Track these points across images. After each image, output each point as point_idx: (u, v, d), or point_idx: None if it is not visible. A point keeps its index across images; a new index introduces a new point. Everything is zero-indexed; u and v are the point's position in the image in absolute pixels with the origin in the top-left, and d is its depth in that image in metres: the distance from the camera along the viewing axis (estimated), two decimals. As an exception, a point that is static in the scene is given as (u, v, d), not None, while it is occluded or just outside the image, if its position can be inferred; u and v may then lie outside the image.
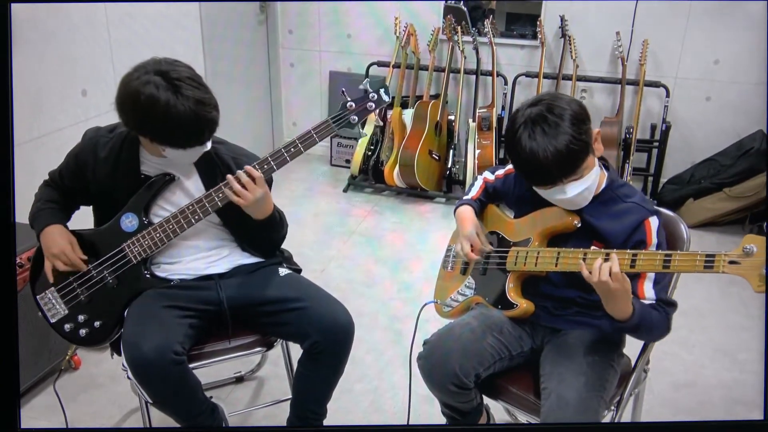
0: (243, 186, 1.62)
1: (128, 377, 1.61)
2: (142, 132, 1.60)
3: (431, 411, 2.05)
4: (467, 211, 1.76)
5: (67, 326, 1.75)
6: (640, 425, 1.82)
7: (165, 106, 1.50)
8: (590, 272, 1.40)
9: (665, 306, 1.51)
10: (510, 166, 1.73)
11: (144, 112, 1.52)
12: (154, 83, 1.50)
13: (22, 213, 1.82)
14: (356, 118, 1.65)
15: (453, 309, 1.80)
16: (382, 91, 1.65)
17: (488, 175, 1.81)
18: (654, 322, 1.49)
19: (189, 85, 1.52)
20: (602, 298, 1.44)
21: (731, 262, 1.26)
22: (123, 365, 1.62)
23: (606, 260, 1.40)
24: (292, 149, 1.64)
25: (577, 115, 1.46)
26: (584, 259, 1.45)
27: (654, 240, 1.51)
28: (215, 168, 1.74)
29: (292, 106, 4.63)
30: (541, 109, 1.46)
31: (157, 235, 1.70)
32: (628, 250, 1.42)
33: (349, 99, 1.64)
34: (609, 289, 1.39)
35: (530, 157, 1.44)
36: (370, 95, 1.64)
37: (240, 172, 1.63)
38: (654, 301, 1.50)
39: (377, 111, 1.71)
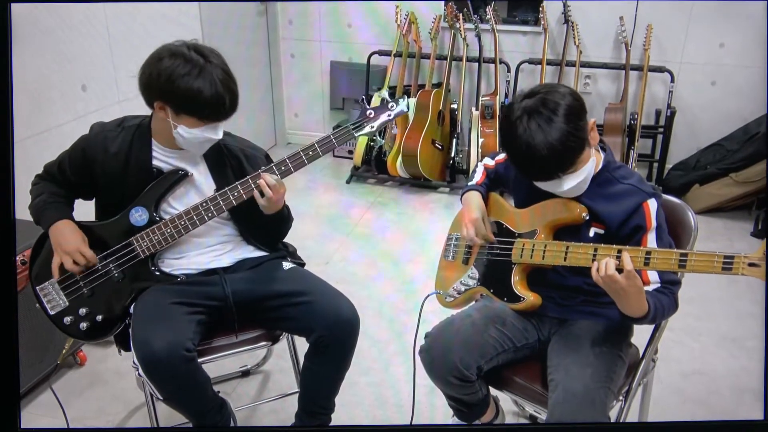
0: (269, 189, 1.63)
1: (139, 375, 1.61)
2: (163, 97, 1.58)
3: (436, 403, 2.05)
4: (474, 196, 1.74)
5: (66, 319, 1.74)
6: (638, 425, 1.81)
7: (193, 69, 1.53)
8: (597, 270, 1.38)
9: (671, 286, 1.49)
10: None
11: (171, 74, 1.53)
12: (184, 53, 1.54)
13: (24, 209, 1.81)
14: (375, 126, 1.66)
15: (455, 299, 1.78)
16: (401, 100, 1.67)
17: (488, 161, 1.80)
18: (666, 307, 1.47)
19: (217, 59, 1.57)
20: (614, 298, 1.41)
21: (751, 265, 1.24)
22: (134, 363, 1.61)
23: (618, 257, 1.37)
24: (311, 152, 1.64)
25: (573, 109, 1.42)
26: (594, 255, 1.43)
27: (653, 223, 1.48)
28: (225, 161, 1.73)
29: (293, 97, 4.60)
30: (536, 102, 1.42)
31: (168, 230, 1.68)
32: (641, 248, 1.39)
33: (368, 107, 1.66)
34: (619, 287, 1.36)
35: (526, 151, 1.42)
36: (389, 105, 1.66)
37: (265, 175, 1.63)
38: (659, 284, 1.48)
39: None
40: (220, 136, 1.65)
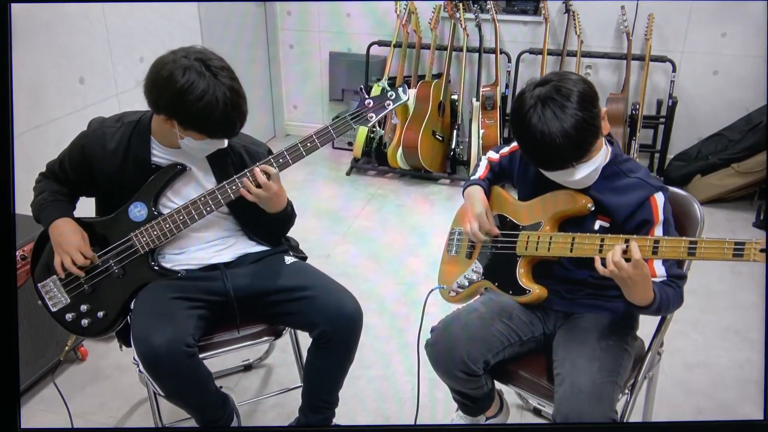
0: (258, 185, 1.61)
1: (140, 371, 1.60)
2: (172, 113, 1.55)
3: (438, 396, 2.04)
4: (476, 191, 1.72)
5: (68, 316, 1.73)
6: (637, 425, 1.81)
7: (204, 91, 1.50)
8: (603, 265, 1.37)
9: (677, 280, 1.49)
10: (515, 144, 1.69)
11: (181, 94, 1.50)
12: (195, 68, 1.51)
13: (22, 204, 1.79)
14: (374, 116, 1.64)
15: (459, 294, 1.76)
16: (400, 90, 1.64)
17: (492, 155, 1.78)
18: (671, 299, 1.46)
19: (226, 75, 1.53)
20: (620, 285, 1.40)
21: (762, 251, 1.22)
22: (134, 359, 1.60)
23: (625, 245, 1.35)
24: (309, 144, 1.62)
25: (586, 96, 1.41)
26: (601, 246, 1.41)
27: (660, 217, 1.47)
28: (226, 157, 1.72)
29: (292, 89, 4.56)
30: (550, 90, 1.41)
31: (167, 225, 1.67)
32: (649, 237, 1.38)
33: (367, 97, 1.64)
34: (626, 275, 1.35)
35: (540, 141, 1.40)
36: (389, 94, 1.64)
37: (257, 171, 1.61)
38: (665, 278, 1.47)
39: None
40: (225, 144, 1.65)
